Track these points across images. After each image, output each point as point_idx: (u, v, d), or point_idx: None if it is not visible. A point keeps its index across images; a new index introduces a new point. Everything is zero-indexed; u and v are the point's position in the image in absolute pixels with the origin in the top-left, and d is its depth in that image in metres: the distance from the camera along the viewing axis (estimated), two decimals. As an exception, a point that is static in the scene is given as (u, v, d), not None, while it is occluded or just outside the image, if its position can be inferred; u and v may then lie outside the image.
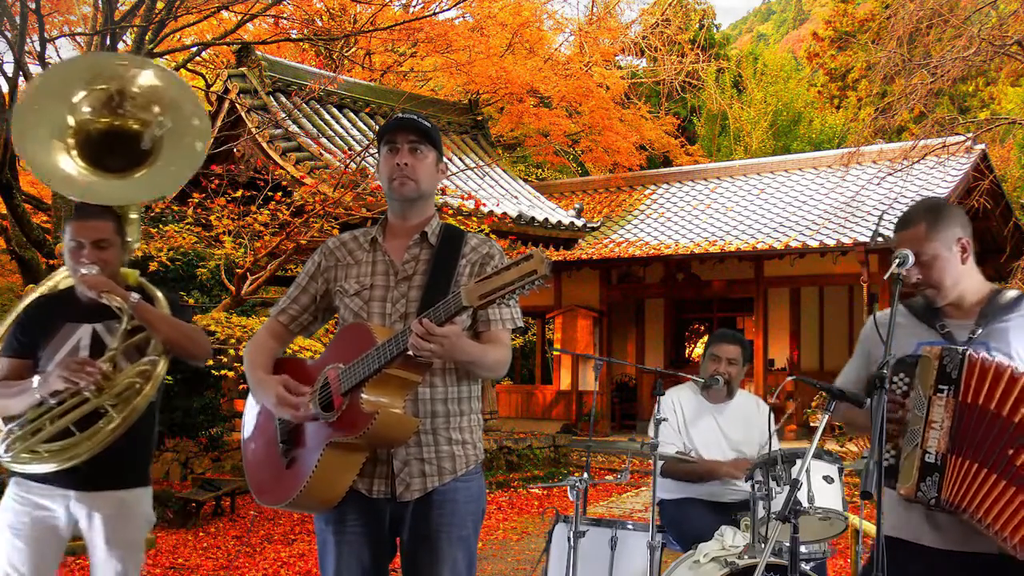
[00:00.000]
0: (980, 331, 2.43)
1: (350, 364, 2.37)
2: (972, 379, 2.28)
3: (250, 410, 2.70)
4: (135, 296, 2.89)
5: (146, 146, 3.09)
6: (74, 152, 3.04)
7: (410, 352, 2.26)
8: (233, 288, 7.49)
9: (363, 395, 2.33)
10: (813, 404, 13.24)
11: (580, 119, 17.49)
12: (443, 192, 9.60)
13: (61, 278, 3.23)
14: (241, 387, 8.06)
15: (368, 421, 2.30)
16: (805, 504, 3.24)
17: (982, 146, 13.58)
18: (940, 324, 2.48)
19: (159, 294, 3.04)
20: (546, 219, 12.61)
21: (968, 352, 2.30)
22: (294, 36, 14.57)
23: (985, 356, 2.31)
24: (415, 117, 2.59)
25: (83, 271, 2.87)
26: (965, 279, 2.49)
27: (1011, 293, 2.50)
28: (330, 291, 2.63)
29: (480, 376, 2.57)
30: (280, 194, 7.93)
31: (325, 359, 2.48)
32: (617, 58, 21.54)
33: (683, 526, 4.06)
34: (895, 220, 2.57)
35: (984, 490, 2.25)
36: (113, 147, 3.10)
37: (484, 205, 10.50)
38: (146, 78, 3.14)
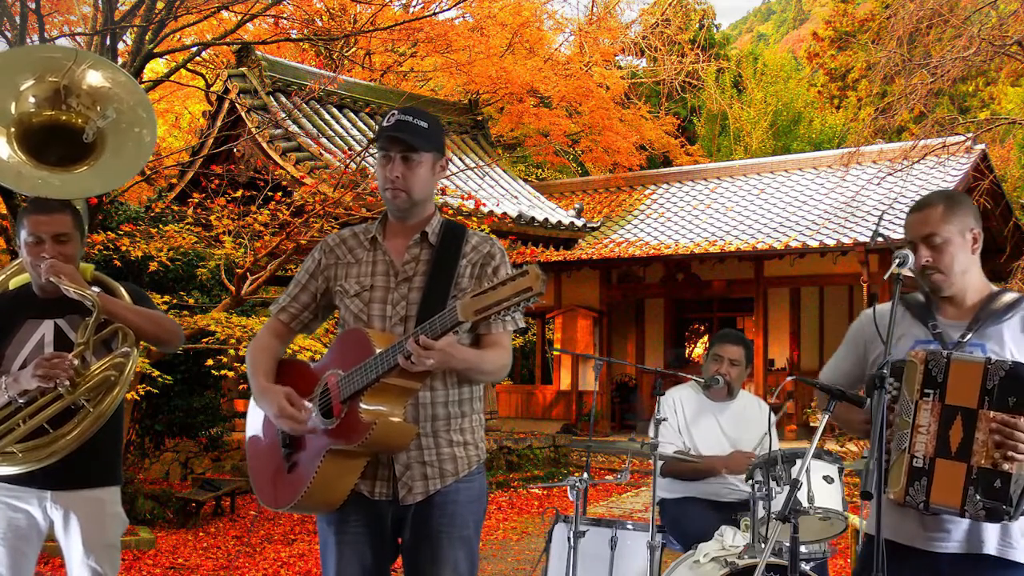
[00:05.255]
0: (971, 334, 2.41)
1: (348, 372, 2.37)
2: (957, 381, 2.26)
3: (253, 412, 2.69)
4: (96, 289, 2.83)
5: (88, 139, 3.02)
6: (16, 143, 2.95)
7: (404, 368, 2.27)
8: (233, 288, 7.49)
9: (362, 404, 2.33)
10: (812, 404, 13.23)
11: (580, 119, 17.47)
12: (443, 192, 9.60)
13: (11, 275, 3.14)
14: (241, 387, 8.06)
15: (367, 430, 2.31)
16: (805, 504, 3.24)
17: (982, 146, 13.58)
18: (932, 324, 2.46)
19: (119, 285, 2.99)
20: (546, 219, 12.61)
21: (953, 355, 2.30)
22: (294, 36, 14.54)
23: (968, 357, 2.31)
24: (411, 119, 2.46)
25: (47, 264, 2.76)
26: (972, 271, 2.47)
27: (1010, 295, 2.48)
28: (330, 289, 2.61)
29: (480, 381, 2.55)
30: (280, 194, 7.94)
31: (325, 363, 2.48)
32: (617, 58, 21.50)
33: (684, 525, 4.06)
34: (906, 212, 2.53)
35: (962, 484, 2.24)
36: (56, 140, 3.02)
37: (484, 205, 10.50)
38: (91, 72, 3.06)
